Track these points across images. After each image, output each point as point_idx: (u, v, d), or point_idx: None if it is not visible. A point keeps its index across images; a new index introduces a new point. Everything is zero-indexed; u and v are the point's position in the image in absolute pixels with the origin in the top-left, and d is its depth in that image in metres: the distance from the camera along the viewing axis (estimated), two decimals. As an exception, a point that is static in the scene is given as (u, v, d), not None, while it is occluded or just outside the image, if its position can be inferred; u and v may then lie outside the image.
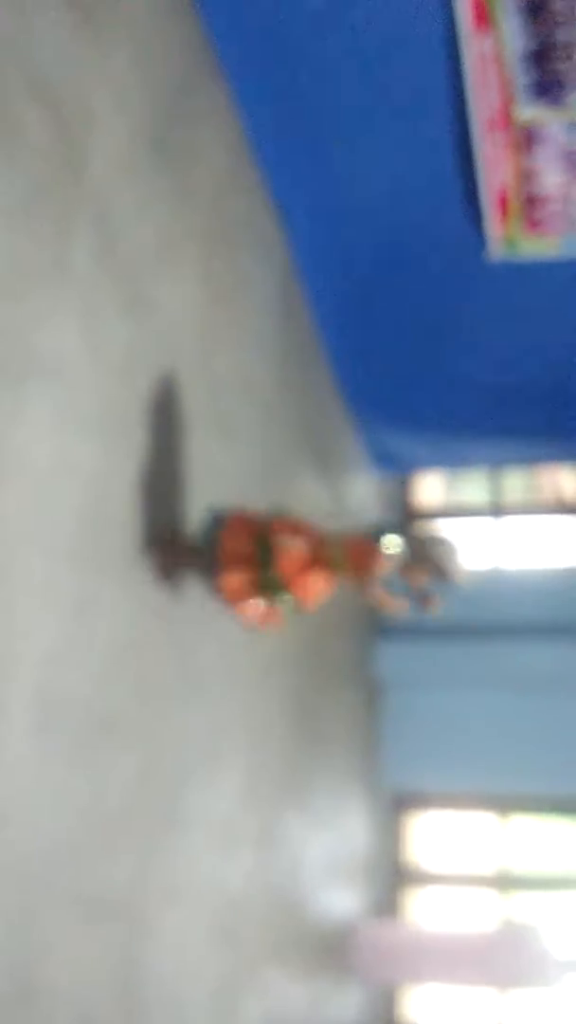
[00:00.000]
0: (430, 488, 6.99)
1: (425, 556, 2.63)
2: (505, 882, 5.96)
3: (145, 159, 2.66)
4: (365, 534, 2.67)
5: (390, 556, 2.59)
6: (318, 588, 2.67)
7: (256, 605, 2.66)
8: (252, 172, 3.67)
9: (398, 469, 6.10)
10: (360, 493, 5.58)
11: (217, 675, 3.14)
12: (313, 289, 4.42)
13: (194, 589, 2.88)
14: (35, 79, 2.11)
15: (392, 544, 2.60)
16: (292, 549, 2.62)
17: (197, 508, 2.94)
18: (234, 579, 2.62)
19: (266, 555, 2.61)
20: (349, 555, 2.64)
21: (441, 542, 2.65)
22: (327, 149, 3.71)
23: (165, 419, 2.77)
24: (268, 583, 2.61)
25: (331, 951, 4.60)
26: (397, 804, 6.08)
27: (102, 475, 2.37)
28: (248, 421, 3.56)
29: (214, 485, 3.11)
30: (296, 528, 2.69)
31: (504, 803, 6.06)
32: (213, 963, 3.06)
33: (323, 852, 4.47)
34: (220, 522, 2.71)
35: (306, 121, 3.61)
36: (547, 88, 3.40)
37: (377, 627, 5.93)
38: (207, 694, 3.06)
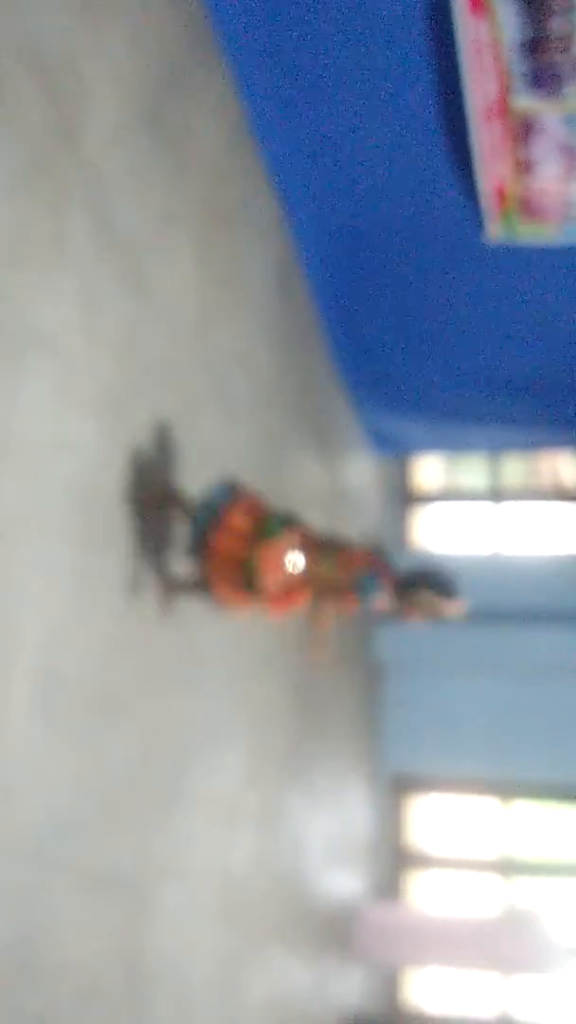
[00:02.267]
0: (429, 471, 6.98)
1: (422, 592, 2.63)
2: (507, 867, 5.97)
3: (141, 134, 2.65)
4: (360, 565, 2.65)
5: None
6: (292, 604, 2.60)
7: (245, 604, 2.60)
8: (250, 150, 3.65)
9: (397, 451, 6.09)
10: (358, 474, 5.58)
11: (219, 657, 3.14)
12: (311, 269, 4.41)
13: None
14: (29, 52, 2.10)
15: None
16: (286, 564, 2.54)
17: (195, 486, 2.94)
18: (224, 585, 2.55)
19: (265, 534, 2.55)
20: (340, 585, 2.62)
21: (439, 577, 2.64)
22: (325, 129, 3.70)
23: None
24: (249, 577, 2.52)
25: (334, 932, 4.61)
26: (399, 787, 6.08)
27: (100, 452, 2.36)
28: (246, 400, 3.55)
29: (212, 464, 3.10)
30: (300, 540, 2.61)
31: (506, 788, 6.06)
32: (216, 941, 3.07)
33: (325, 833, 4.47)
34: (226, 496, 2.63)
35: (304, 100, 3.59)
36: (543, 79, 3.37)
37: (374, 613, 5.93)
38: (209, 676, 3.06)
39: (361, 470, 5.64)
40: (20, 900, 2.00)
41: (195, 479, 2.92)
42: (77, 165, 2.30)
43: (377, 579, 2.66)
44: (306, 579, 2.58)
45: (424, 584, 2.64)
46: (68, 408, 2.21)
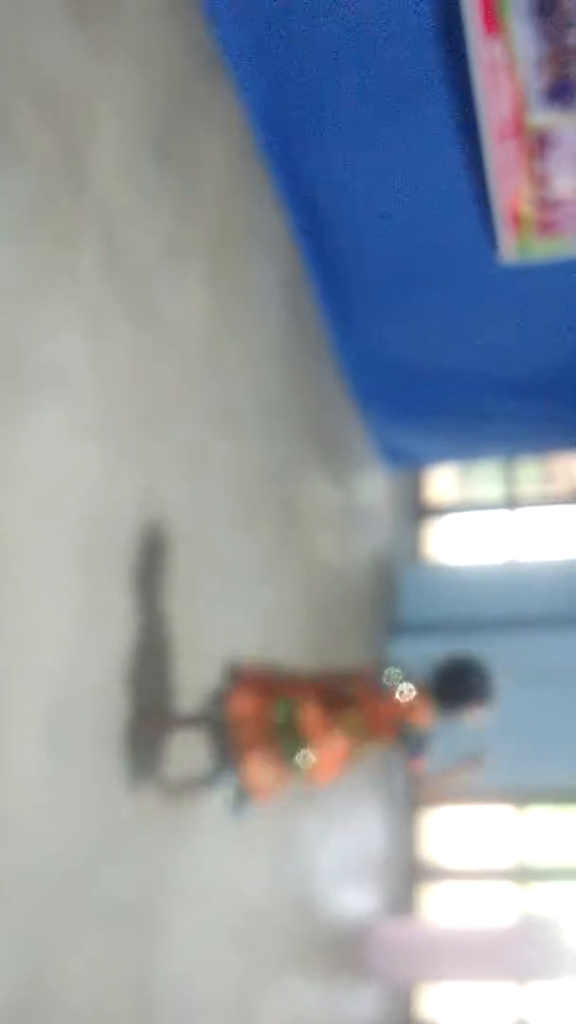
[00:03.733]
0: (442, 483, 6.95)
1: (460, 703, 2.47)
2: (523, 874, 5.95)
3: (148, 163, 2.64)
4: (374, 678, 2.49)
5: (402, 697, 2.40)
6: (338, 755, 2.49)
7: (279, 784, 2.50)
8: (258, 173, 3.64)
9: (409, 464, 6.07)
10: (371, 490, 5.56)
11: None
12: (321, 288, 4.39)
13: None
14: (36, 86, 2.09)
15: (396, 679, 2.43)
16: (310, 711, 2.44)
17: (205, 512, 2.93)
18: (259, 768, 2.44)
19: (285, 715, 2.44)
20: (364, 710, 2.46)
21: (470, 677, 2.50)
22: (334, 149, 3.68)
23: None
24: (289, 743, 2.42)
25: (348, 951, 4.59)
26: (412, 801, 6.06)
27: (108, 484, 2.36)
28: (256, 422, 3.54)
29: (222, 488, 3.09)
30: (308, 688, 2.53)
31: (521, 795, 6.03)
32: (229, 966, 3.06)
33: (339, 852, 4.45)
34: (227, 691, 2.59)
35: (312, 123, 3.58)
36: (559, 92, 3.34)
37: (391, 625, 5.91)
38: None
39: (373, 486, 5.62)
40: (29, 932, 1.99)
41: (204, 504, 2.92)
42: (86, 197, 2.30)
43: (421, 735, 2.49)
44: (342, 740, 2.47)
45: (461, 686, 2.49)
46: (76, 440, 2.21)
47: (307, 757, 2.43)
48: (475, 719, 2.49)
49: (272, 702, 2.47)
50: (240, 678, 2.59)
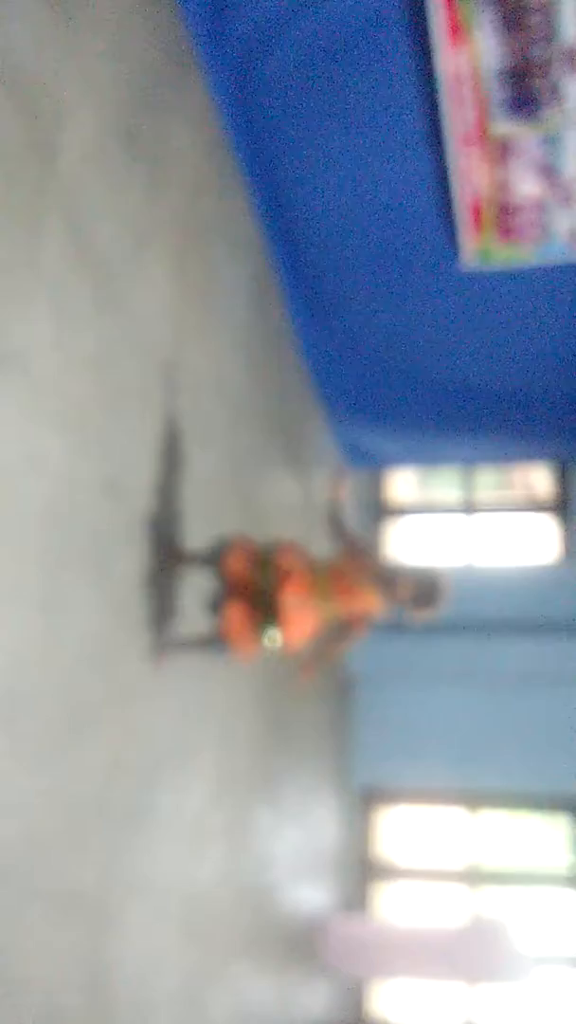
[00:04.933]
0: (403, 485, 7.00)
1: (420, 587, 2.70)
2: (474, 877, 6.00)
3: (117, 151, 2.65)
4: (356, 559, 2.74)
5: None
6: (306, 626, 2.73)
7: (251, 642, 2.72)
8: (227, 166, 3.66)
9: (371, 465, 6.11)
10: (333, 489, 5.58)
11: (186, 670, 3.13)
12: (287, 287, 4.42)
13: (165, 587, 2.88)
14: (5, 69, 2.09)
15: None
16: (294, 571, 2.70)
17: (167, 503, 2.94)
18: (236, 612, 2.69)
19: (267, 578, 2.70)
20: (336, 586, 2.73)
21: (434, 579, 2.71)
22: (303, 147, 3.71)
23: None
24: (264, 609, 2.67)
25: (300, 945, 4.61)
26: (366, 799, 6.10)
27: (71, 471, 2.36)
28: (220, 417, 3.55)
29: (186, 481, 3.10)
30: (296, 554, 2.78)
31: (473, 798, 6.09)
32: (181, 957, 3.07)
33: (293, 847, 4.47)
34: (224, 543, 2.82)
35: (281, 119, 3.60)
36: (522, 104, 3.40)
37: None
38: (176, 690, 3.05)
39: (336, 484, 5.65)
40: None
41: (166, 495, 2.93)
42: (52, 183, 2.30)
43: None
44: (316, 605, 2.72)
45: (411, 583, 2.70)
46: (38, 426, 2.21)
47: (274, 638, 2.69)
48: (420, 617, 2.73)
49: (259, 567, 2.72)
50: (234, 544, 2.82)
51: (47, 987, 2.25)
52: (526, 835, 6.31)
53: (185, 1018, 3.10)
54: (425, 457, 6.05)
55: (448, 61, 3.28)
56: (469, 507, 6.72)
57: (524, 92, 3.37)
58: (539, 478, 6.71)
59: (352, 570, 2.73)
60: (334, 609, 2.75)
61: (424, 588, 2.69)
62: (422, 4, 3.17)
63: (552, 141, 3.53)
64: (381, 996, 5.81)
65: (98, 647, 2.49)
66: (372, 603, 2.73)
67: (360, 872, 5.92)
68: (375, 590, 2.71)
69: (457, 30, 3.19)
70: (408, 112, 3.52)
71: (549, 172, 3.65)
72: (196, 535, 3.05)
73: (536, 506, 6.72)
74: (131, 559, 2.69)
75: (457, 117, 3.46)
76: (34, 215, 2.22)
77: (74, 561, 2.37)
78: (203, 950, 3.26)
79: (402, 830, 6.30)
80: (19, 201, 2.15)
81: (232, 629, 2.70)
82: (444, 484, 7.03)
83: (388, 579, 2.69)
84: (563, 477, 6.44)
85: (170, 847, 2.98)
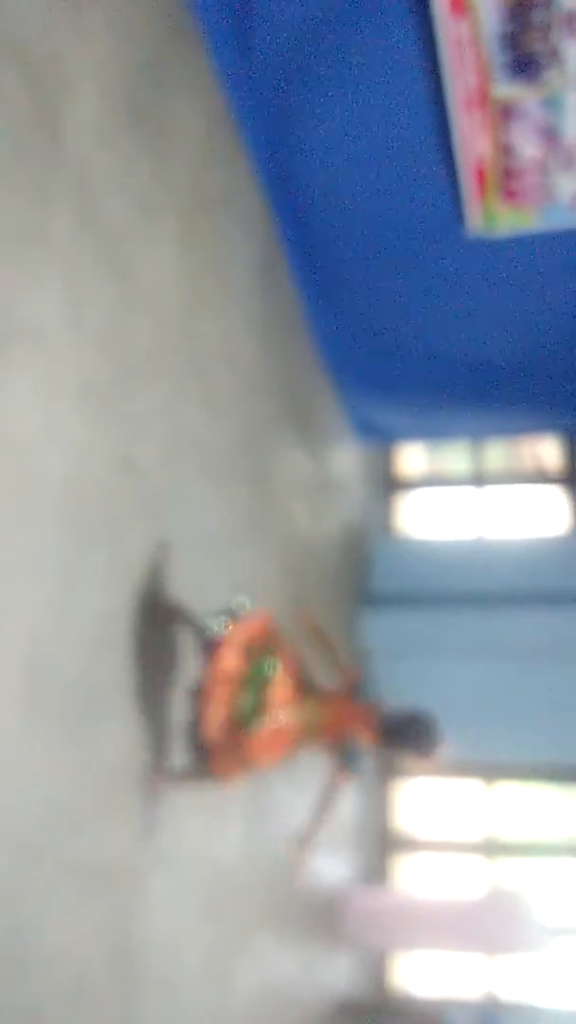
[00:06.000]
0: (412, 457, 6.99)
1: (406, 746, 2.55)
2: (492, 848, 6.01)
3: (124, 125, 2.63)
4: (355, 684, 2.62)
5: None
6: (282, 737, 2.56)
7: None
8: (233, 139, 3.63)
9: (381, 438, 6.10)
10: (343, 462, 5.57)
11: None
12: (295, 259, 4.39)
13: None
14: (11, 45, 2.08)
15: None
16: (282, 687, 2.53)
17: (180, 477, 2.93)
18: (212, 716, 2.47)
19: (259, 680, 2.51)
20: (328, 706, 2.58)
21: (420, 726, 2.55)
22: (308, 119, 3.68)
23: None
24: (248, 710, 2.48)
25: (321, 918, 4.63)
26: (384, 771, 6.11)
27: (85, 444, 2.35)
28: (231, 389, 3.54)
29: (197, 454, 3.09)
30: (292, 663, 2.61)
31: (490, 770, 6.09)
32: (204, 929, 3.08)
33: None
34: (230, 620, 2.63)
35: (286, 90, 3.58)
36: (523, 67, 3.40)
37: (362, 597, 5.94)
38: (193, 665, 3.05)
39: (345, 458, 5.64)
40: (9, 893, 2.00)
41: (179, 468, 2.92)
42: (60, 156, 2.28)
43: (359, 752, 2.62)
44: (293, 725, 2.55)
45: (407, 734, 2.55)
46: (53, 398, 2.20)
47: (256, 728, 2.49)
48: (420, 764, 2.57)
49: (255, 658, 2.52)
50: (237, 632, 2.59)
51: (73, 961, 2.26)
52: (542, 806, 6.32)
53: (209, 989, 3.12)
54: (434, 431, 6.03)
55: (449, 25, 3.26)
56: (479, 479, 6.71)
57: (525, 55, 3.35)
58: (548, 450, 6.69)
59: (345, 714, 2.60)
60: (315, 733, 2.61)
61: (416, 736, 2.54)
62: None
63: (553, 104, 3.52)
64: (401, 968, 5.84)
65: (116, 621, 2.49)
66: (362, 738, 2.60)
67: (379, 845, 5.94)
68: (367, 737, 2.58)
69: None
70: (411, 77, 3.50)
71: (551, 134, 3.63)
72: (207, 508, 3.05)
73: (545, 478, 6.70)
74: (146, 536, 2.69)
75: (459, 81, 3.44)
76: (43, 190, 2.21)
77: (90, 536, 2.36)
78: (226, 923, 3.28)
79: (420, 803, 6.31)
80: (28, 176, 2.14)
81: (213, 760, 2.55)
82: (453, 457, 7.01)
83: (380, 730, 2.55)
84: (572, 449, 6.42)
85: (194, 819, 2.99)
